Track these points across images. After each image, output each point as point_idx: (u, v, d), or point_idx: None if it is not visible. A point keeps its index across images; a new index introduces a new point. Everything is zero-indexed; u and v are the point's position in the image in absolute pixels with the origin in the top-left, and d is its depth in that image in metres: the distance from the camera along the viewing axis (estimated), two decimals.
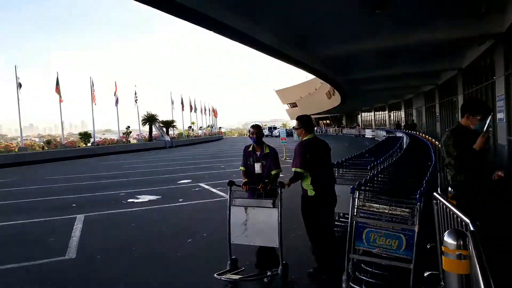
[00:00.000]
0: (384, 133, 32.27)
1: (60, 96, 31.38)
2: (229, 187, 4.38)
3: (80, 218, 7.77)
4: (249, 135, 4.81)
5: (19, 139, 31.40)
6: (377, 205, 3.90)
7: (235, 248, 4.35)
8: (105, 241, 6.27)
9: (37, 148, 32.26)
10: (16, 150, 27.96)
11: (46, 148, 31.63)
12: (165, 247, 5.79)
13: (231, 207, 4.32)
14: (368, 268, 4.00)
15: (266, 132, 70.63)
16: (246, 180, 4.62)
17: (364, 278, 3.84)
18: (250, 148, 4.72)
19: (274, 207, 4.14)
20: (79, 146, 33.72)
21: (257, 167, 4.63)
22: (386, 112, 53.94)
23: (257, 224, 4.18)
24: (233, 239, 4.27)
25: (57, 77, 30.91)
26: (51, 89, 30.99)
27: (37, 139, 57.05)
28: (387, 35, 14.02)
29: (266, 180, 4.44)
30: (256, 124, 4.74)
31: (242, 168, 4.79)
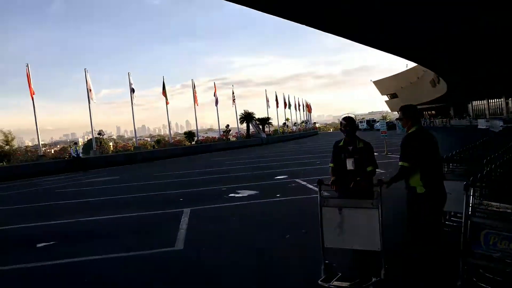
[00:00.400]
0: (501, 123, 28.80)
1: (167, 99, 34.14)
2: (318, 186, 4.10)
3: (186, 211, 8.35)
4: (340, 129, 4.48)
5: (134, 139, 34.99)
6: (497, 204, 3.44)
7: (317, 248, 4.09)
8: (209, 233, 6.63)
9: (149, 147, 35.70)
10: (132, 149, 31.23)
11: (156, 147, 34.81)
12: (265, 241, 5.90)
13: (323, 208, 4.03)
14: (488, 275, 3.56)
15: (363, 125, 68.04)
16: (334, 178, 4.32)
17: (484, 285, 3.43)
18: (341, 143, 4.39)
19: (373, 207, 3.81)
20: (184, 145, 36.37)
21: (349, 163, 4.27)
22: (503, 99, 47.92)
23: (355, 226, 3.87)
24: (327, 243, 3.99)
25: (163, 82, 33.69)
26: (159, 93, 33.89)
27: (148, 139, 63.15)
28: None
29: (358, 178, 4.10)
30: (347, 116, 4.37)
31: (331, 165, 4.49)
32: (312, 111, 79.49)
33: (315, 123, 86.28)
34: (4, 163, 25.14)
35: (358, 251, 4.06)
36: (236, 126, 44.95)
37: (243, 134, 44.59)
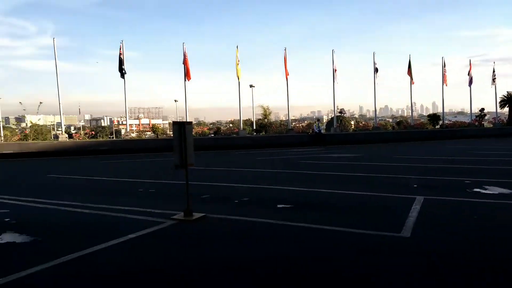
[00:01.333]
0: None
1: (412, 79, 32.29)
2: None
3: (419, 199, 7.74)
4: None
5: (374, 120, 34.96)
6: None
7: None
8: (442, 227, 5.94)
9: (389, 128, 35.02)
10: (371, 129, 31.41)
11: (396, 128, 33.76)
12: (503, 254, 4.84)
13: None
14: None
15: None
16: None
17: None
18: None
19: None
20: (427, 128, 33.82)
21: None
22: None
23: None
24: None
25: (409, 61, 31.90)
26: (403, 73, 32.44)
27: (390, 120, 61.97)
28: None
29: None
30: None
31: None
32: None
33: None
34: (263, 133, 29.91)
35: None
36: (494, 111, 38.23)
37: (503, 121, 37.60)
